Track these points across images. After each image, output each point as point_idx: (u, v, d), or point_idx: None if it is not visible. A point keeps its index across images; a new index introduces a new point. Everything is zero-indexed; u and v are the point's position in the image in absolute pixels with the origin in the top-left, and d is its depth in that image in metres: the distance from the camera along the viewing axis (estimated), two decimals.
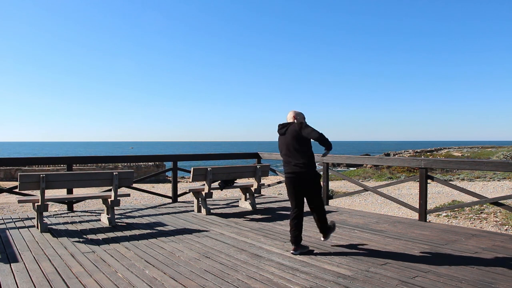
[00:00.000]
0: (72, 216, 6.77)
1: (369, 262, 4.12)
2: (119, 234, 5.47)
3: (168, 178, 21.18)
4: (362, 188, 7.67)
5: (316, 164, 4.72)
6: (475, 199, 6.35)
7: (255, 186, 7.46)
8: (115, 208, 7.06)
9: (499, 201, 5.79)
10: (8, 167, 20.33)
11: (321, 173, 4.41)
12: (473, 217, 8.43)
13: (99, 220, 6.43)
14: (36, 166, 21.02)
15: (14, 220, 6.40)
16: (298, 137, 4.46)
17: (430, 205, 8.40)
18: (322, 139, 4.39)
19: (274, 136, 4.87)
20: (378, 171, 21.27)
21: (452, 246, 4.75)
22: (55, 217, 6.68)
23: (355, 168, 25.12)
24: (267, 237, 5.19)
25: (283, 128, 4.65)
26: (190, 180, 6.88)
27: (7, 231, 5.61)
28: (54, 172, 5.86)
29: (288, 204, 8.04)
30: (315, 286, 3.46)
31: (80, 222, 6.29)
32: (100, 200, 6.66)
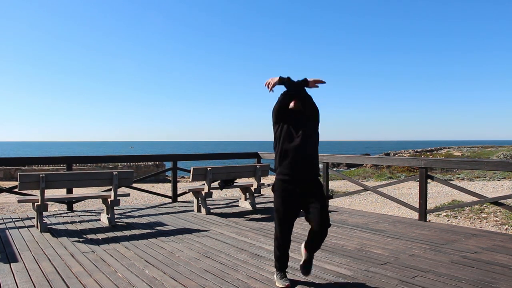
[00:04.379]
0: (72, 216, 6.77)
1: (369, 262, 4.12)
2: (119, 234, 5.46)
3: (168, 178, 21.15)
4: (362, 188, 7.67)
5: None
6: (475, 199, 6.34)
7: (255, 186, 7.45)
8: (115, 208, 7.04)
9: (499, 201, 5.79)
10: (7, 167, 20.31)
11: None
12: (473, 216, 8.43)
13: (99, 220, 6.43)
14: (36, 166, 21.00)
15: (13, 220, 6.39)
16: None
17: (430, 205, 8.39)
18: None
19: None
20: (378, 171, 21.25)
21: (452, 245, 4.75)
22: (55, 217, 6.67)
23: (355, 168, 25.09)
24: (267, 237, 5.18)
25: None
26: (190, 179, 6.88)
27: (6, 231, 5.61)
28: (53, 172, 5.86)
29: None
30: (315, 286, 3.46)
31: (80, 222, 6.29)
32: (100, 200, 6.65)
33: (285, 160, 3.29)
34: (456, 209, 8.93)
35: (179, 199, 8.54)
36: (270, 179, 17.89)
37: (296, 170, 3.27)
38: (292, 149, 3.26)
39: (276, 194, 3.36)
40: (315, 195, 3.27)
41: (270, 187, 3.52)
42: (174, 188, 8.49)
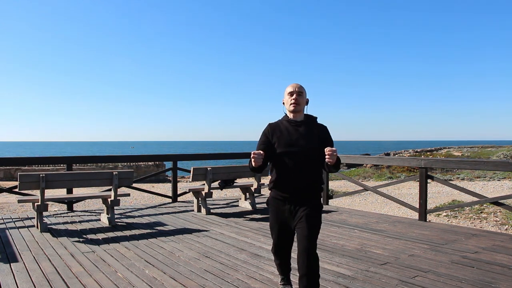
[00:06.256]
0: (72, 216, 6.77)
1: (369, 262, 4.12)
2: (119, 234, 5.47)
3: (168, 178, 21.15)
4: (362, 188, 7.67)
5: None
6: (475, 199, 6.34)
7: (255, 185, 7.46)
8: (115, 208, 7.04)
9: (499, 201, 5.79)
10: (7, 167, 20.31)
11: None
12: (473, 216, 8.42)
13: (99, 220, 6.43)
14: (36, 166, 21.00)
15: (14, 220, 6.39)
16: None
17: (430, 205, 8.39)
18: None
19: None
20: (378, 171, 21.25)
21: (452, 245, 4.75)
22: (55, 217, 6.67)
23: (355, 168, 25.08)
24: (267, 237, 5.18)
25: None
26: (190, 179, 6.88)
27: (7, 231, 5.61)
28: (54, 172, 5.86)
29: None
30: None
31: (80, 222, 6.29)
32: (100, 200, 6.66)
33: (279, 175, 2.99)
34: (456, 209, 8.93)
35: (179, 199, 8.54)
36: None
37: (291, 190, 2.93)
38: (288, 165, 2.90)
39: (270, 211, 3.12)
40: (307, 216, 2.85)
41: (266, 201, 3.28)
42: (174, 188, 8.49)
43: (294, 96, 2.95)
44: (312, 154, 2.87)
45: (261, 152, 2.81)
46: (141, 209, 7.54)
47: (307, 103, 3.05)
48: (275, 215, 3.05)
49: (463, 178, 17.57)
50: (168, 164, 10.91)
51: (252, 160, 2.81)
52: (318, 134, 2.95)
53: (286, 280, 3.35)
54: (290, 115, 3.00)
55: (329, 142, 2.97)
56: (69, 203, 7.46)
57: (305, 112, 3.05)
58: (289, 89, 2.99)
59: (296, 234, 2.95)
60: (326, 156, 2.71)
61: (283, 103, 3.06)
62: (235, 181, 7.45)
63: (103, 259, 4.25)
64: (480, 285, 3.44)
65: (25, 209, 9.76)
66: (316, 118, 3.07)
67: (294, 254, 3.07)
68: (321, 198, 3.04)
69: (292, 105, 2.95)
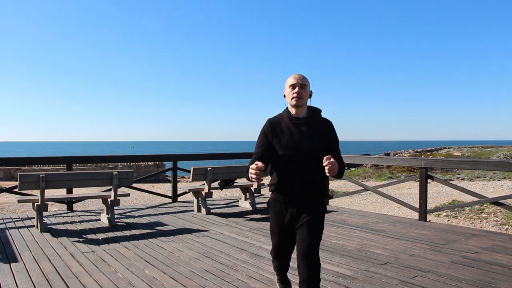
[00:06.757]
0: (72, 216, 6.77)
1: (369, 262, 4.12)
2: (119, 234, 5.47)
3: (168, 178, 21.15)
4: (362, 188, 7.67)
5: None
6: (475, 199, 6.35)
7: (255, 185, 7.46)
8: (115, 208, 7.04)
9: (499, 201, 5.79)
10: (8, 167, 20.31)
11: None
12: (473, 216, 8.42)
13: (99, 220, 6.43)
14: (36, 166, 21.00)
15: (14, 220, 6.39)
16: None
17: (430, 205, 8.39)
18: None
19: None
20: (378, 171, 21.24)
21: (452, 245, 4.75)
22: (55, 217, 6.67)
23: (355, 168, 25.07)
24: (267, 237, 5.18)
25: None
26: (190, 179, 6.89)
27: (6, 231, 5.61)
28: (53, 172, 5.86)
29: None
30: None
31: (80, 222, 6.29)
32: (100, 200, 6.66)
33: (280, 178, 2.82)
34: (456, 209, 8.93)
35: (179, 199, 8.54)
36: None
37: (293, 193, 2.78)
38: (289, 168, 2.75)
39: (271, 212, 2.96)
40: (308, 221, 2.74)
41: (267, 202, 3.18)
42: (174, 188, 8.49)
43: (296, 89, 2.69)
44: (313, 154, 2.71)
45: (262, 166, 2.53)
46: (141, 209, 7.55)
47: (310, 95, 2.79)
48: (276, 217, 2.91)
49: (463, 178, 17.57)
50: (168, 164, 10.90)
51: (250, 176, 2.55)
52: (321, 132, 2.75)
53: (283, 279, 3.32)
54: (292, 110, 2.76)
55: (333, 140, 2.80)
56: (69, 203, 7.46)
57: (308, 104, 2.82)
58: (291, 80, 2.73)
59: (297, 238, 2.83)
60: (326, 170, 2.50)
61: (284, 95, 2.80)
62: (235, 181, 7.45)
63: (103, 259, 4.25)
64: (480, 285, 3.44)
65: (25, 209, 9.75)
66: (320, 111, 2.87)
67: (294, 254, 3.06)
68: (325, 198, 2.92)
69: (294, 99, 2.70)
